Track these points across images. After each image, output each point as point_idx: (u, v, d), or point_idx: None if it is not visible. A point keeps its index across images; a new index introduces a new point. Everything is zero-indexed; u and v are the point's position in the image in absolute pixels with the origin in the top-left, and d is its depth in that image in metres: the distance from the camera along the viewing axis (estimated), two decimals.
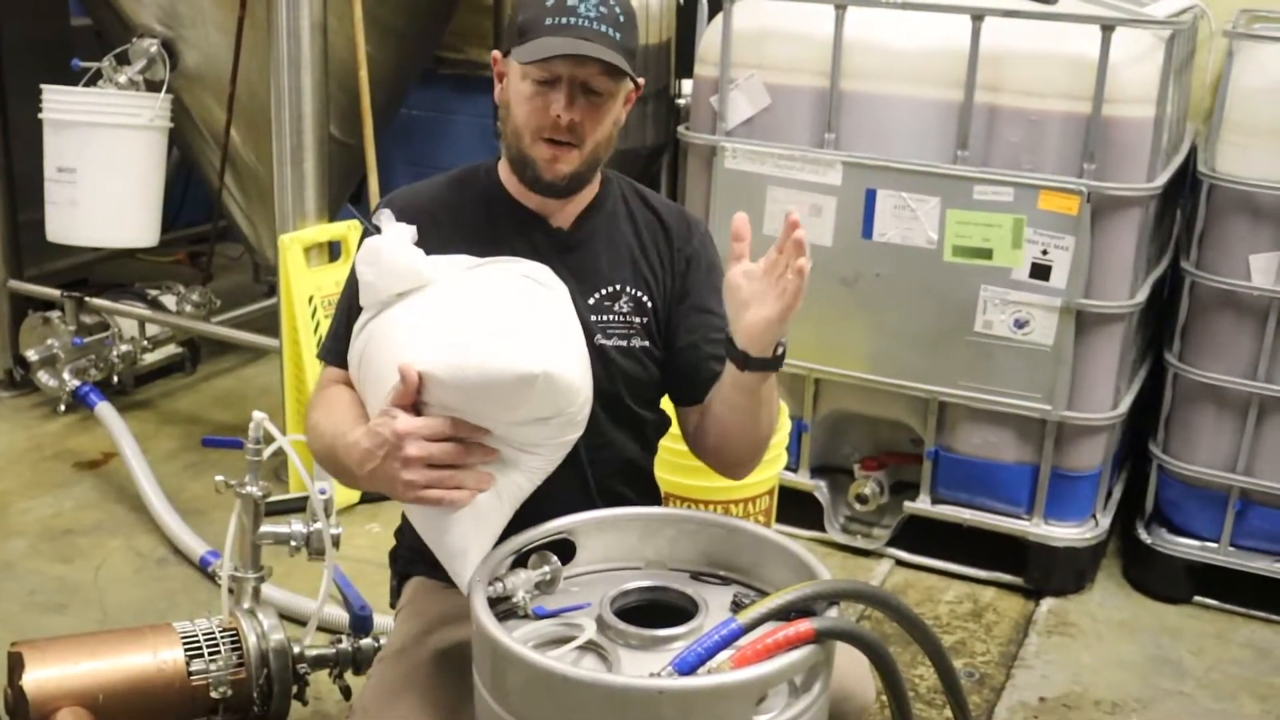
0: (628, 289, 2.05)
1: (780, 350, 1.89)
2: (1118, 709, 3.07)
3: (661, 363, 2.07)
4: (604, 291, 2.03)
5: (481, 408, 1.73)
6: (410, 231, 1.86)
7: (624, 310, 2.04)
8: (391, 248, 1.84)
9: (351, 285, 1.97)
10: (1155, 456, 3.57)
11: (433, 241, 1.89)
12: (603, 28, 1.88)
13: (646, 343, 2.05)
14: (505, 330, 1.74)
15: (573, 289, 1.95)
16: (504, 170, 2.04)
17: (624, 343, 2.03)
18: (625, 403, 2.04)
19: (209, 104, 4.27)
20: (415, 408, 1.74)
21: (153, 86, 4.11)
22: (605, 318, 2.03)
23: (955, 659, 3.21)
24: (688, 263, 2.09)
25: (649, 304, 2.06)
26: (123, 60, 4.11)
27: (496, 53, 2.01)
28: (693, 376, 2.04)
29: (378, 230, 1.90)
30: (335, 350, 2.00)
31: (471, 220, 2.02)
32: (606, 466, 2.02)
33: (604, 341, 2.01)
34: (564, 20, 1.87)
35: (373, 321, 1.86)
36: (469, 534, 1.77)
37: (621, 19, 1.91)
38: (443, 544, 1.79)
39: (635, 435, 2.09)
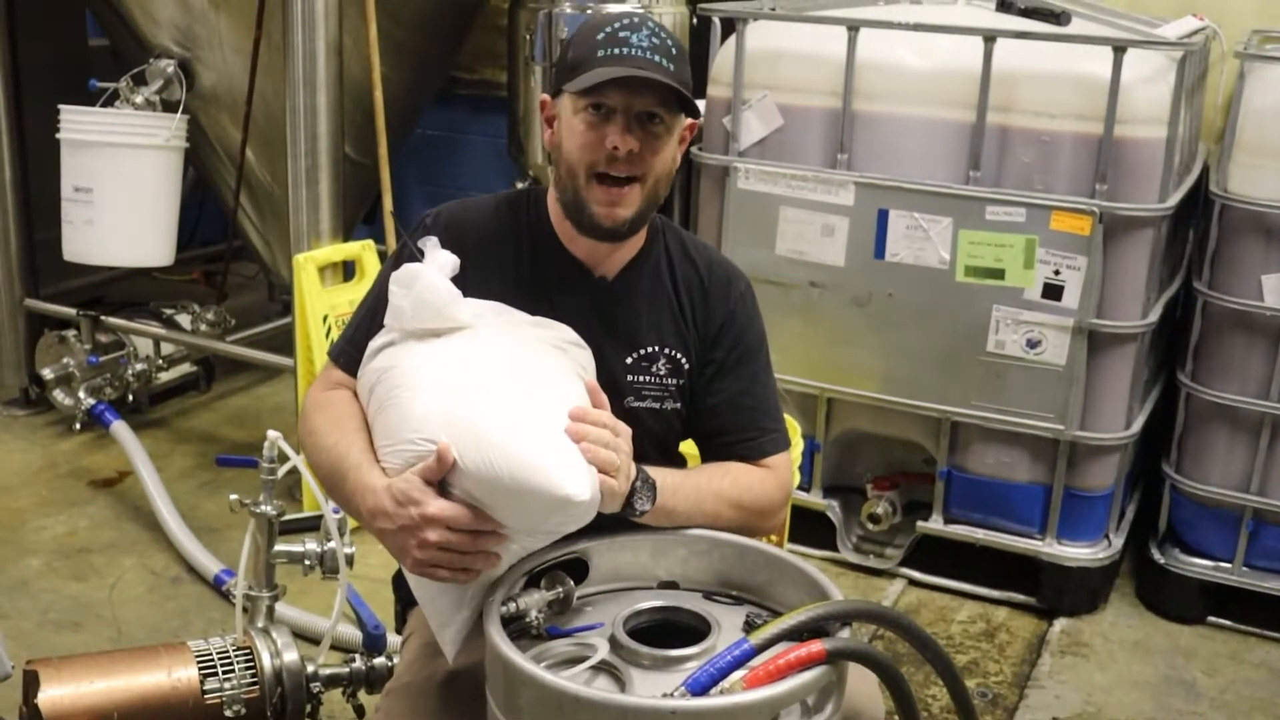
0: (666, 349, 2.00)
1: (639, 507, 1.80)
2: None
3: (688, 421, 2.06)
4: (642, 352, 1.99)
5: (506, 508, 1.67)
6: (452, 263, 1.81)
7: (660, 372, 2.00)
8: (431, 280, 1.78)
9: (376, 297, 1.93)
10: (1168, 476, 3.56)
11: (474, 269, 1.87)
12: (657, 58, 1.83)
13: (678, 405, 2.02)
14: (547, 440, 1.65)
15: (610, 346, 1.95)
16: (554, 211, 1.98)
17: (657, 405, 2.01)
18: (650, 461, 2.03)
19: (225, 124, 4.30)
20: (440, 483, 1.69)
21: (169, 107, 4.14)
22: (641, 379, 1.99)
23: (968, 679, 3.21)
24: (721, 327, 2.03)
25: (685, 365, 2.01)
26: (140, 81, 4.15)
27: (545, 96, 1.94)
28: (708, 441, 2.05)
29: (419, 252, 1.85)
30: (349, 355, 1.95)
31: (514, 257, 1.97)
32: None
33: (636, 404, 1.98)
34: (617, 51, 1.82)
35: (398, 350, 1.81)
36: (460, 606, 1.78)
37: (674, 51, 1.86)
38: (434, 611, 1.81)
39: None
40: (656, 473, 1.84)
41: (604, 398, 1.80)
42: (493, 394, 1.69)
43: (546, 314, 1.92)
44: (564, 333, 1.87)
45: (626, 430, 1.77)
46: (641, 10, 1.92)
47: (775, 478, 2.03)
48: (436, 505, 1.65)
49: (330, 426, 1.86)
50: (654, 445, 2.02)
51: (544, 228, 1.99)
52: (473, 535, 1.67)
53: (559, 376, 1.78)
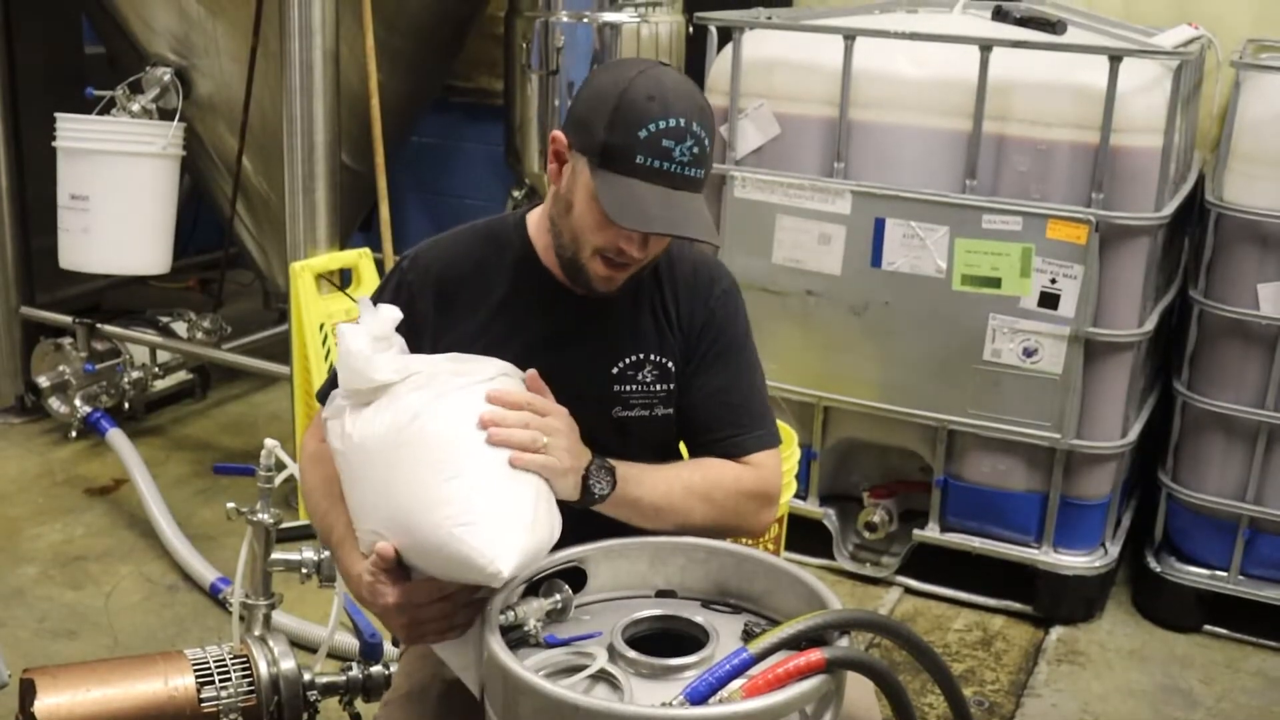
0: (652, 356, 1.99)
1: (597, 491, 1.82)
2: None
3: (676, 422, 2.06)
4: (628, 361, 1.98)
5: (456, 580, 1.73)
6: (391, 319, 1.78)
7: (647, 380, 1.99)
8: (348, 344, 1.77)
9: None
10: (1164, 485, 3.57)
11: (455, 304, 1.89)
12: (692, 171, 1.80)
13: (670, 410, 2.02)
14: (464, 522, 1.65)
15: (595, 358, 1.95)
16: (539, 240, 1.97)
17: (646, 413, 2.00)
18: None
19: (221, 132, 4.30)
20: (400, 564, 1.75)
21: (166, 115, 4.14)
22: (628, 388, 1.98)
23: (965, 688, 3.21)
24: (703, 325, 2.02)
25: (672, 368, 2.00)
26: (136, 89, 4.15)
27: (560, 135, 1.88)
28: (694, 438, 2.03)
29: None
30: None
31: (492, 285, 1.96)
32: None
33: (625, 414, 1.98)
34: (657, 164, 1.77)
35: (343, 425, 1.79)
36: (469, 645, 1.81)
37: (708, 151, 1.82)
38: (449, 657, 1.85)
39: None
40: (619, 463, 1.84)
41: (543, 386, 1.81)
42: (413, 479, 1.70)
43: (528, 335, 1.93)
44: (488, 369, 1.81)
45: (559, 410, 1.79)
46: (685, 113, 1.84)
47: (755, 474, 2.00)
48: (394, 595, 1.74)
49: (322, 491, 1.93)
50: (648, 453, 2.00)
51: (529, 257, 1.98)
52: (446, 606, 1.75)
53: (476, 432, 1.74)
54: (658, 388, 2.00)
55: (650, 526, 1.86)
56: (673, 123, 1.78)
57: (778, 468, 2.05)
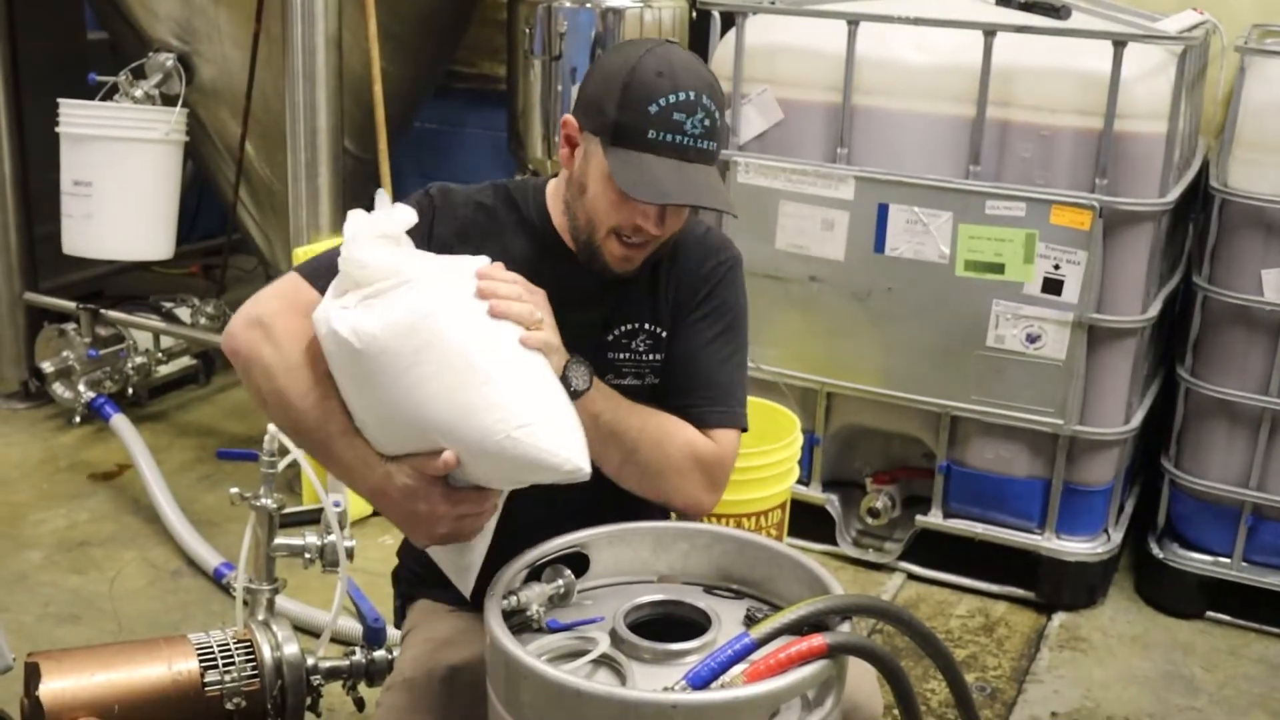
0: (645, 325, 2.01)
1: (574, 383, 1.82)
2: None
3: None
4: (622, 329, 2.00)
5: (511, 484, 1.77)
6: (406, 220, 1.75)
7: (640, 349, 2.01)
8: (363, 236, 1.72)
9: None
10: (1167, 471, 3.57)
11: (468, 247, 1.87)
12: (704, 144, 1.81)
13: (658, 380, 2.03)
14: (542, 424, 1.68)
15: (591, 324, 1.95)
16: (554, 206, 1.98)
17: (638, 381, 2.01)
18: None
19: (224, 118, 4.30)
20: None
21: (168, 101, 4.14)
22: (621, 355, 2.00)
23: (967, 673, 3.21)
24: (696, 290, 2.02)
25: (664, 336, 2.02)
26: (139, 74, 4.15)
27: (570, 118, 1.89)
28: (661, 399, 2.01)
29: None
30: (317, 278, 1.85)
31: (504, 244, 1.95)
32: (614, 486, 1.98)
33: (617, 382, 1.98)
34: (669, 138, 1.79)
35: (357, 319, 1.71)
36: (466, 552, 1.84)
37: (719, 125, 1.84)
38: (448, 562, 1.86)
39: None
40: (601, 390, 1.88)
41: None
42: (446, 385, 1.68)
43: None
44: (481, 264, 1.81)
45: (540, 292, 1.81)
46: (694, 86, 1.82)
47: (711, 447, 1.96)
48: (445, 504, 1.73)
49: (311, 373, 1.80)
50: None
51: (549, 231, 1.98)
52: (476, 504, 1.76)
53: (513, 334, 1.74)
54: (650, 357, 2.02)
55: (596, 449, 1.78)
56: (683, 96, 1.79)
57: (734, 450, 2.01)
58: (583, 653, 1.68)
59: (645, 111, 1.79)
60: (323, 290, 1.80)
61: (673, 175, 1.80)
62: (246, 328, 1.84)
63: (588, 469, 1.69)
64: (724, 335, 2.03)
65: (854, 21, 3.39)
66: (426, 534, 1.79)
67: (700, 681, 1.57)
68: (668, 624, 1.79)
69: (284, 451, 2.60)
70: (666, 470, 1.93)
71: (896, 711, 1.79)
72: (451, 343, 1.68)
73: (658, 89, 1.79)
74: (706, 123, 1.81)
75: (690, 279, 2.03)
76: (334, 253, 1.82)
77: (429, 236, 1.91)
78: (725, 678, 1.57)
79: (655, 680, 1.64)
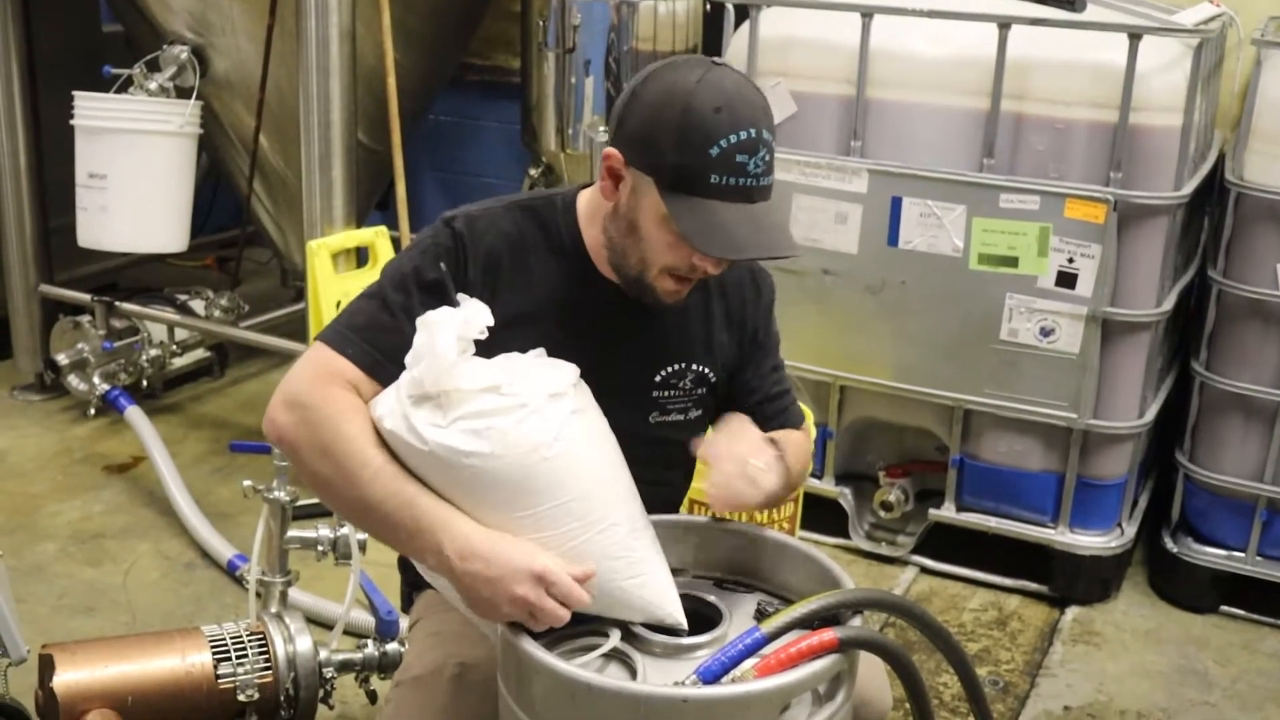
0: (694, 365, 1.97)
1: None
2: (1142, 719, 3.06)
3: (723, 403, 2.06)
4: (671, 369, 1.96)
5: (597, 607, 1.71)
6: (481, 323, 1.67)
7: (687, 387, 1.98)
8: (445, 347, 1.64)
9: (391, 296, 1.80)
10: (1181, 465, 3.55)
11: (499, 279, 1.81)
12: (766, 180, 1.73)
13: (701, 412, 2.01)
14: (642, 568, 1.71)
15: (638, 364, 1.93)
16: (591, 239, 1.88)
17: (682, 416, 1.99)
18: (674, 475, 2.07)
19: (238, 110, 4.30)
20: None
21: (183, 93, 4.14)
22: (667, 394, 1.96)
23: (979, 667, 3.21)
24: (755, 333, 2.03)
25: (711, 377, 1.99)
26: (153, 67, 4.15)
27: (616, 152, 1.77)
28: (749, 409, 2.06)
29: (446, 245, 1.81)
30: (369, 356, 1.76)
31: (540, 272, 1.87)
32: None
33: (661, 419, 1.96)
34: (733, 181, 1.69)
35: (433, 418, 1.64)
36: None
37: (775, 155, 1.76)
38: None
39: (679, 489, 2.12)
40: (780, 443, 1.90)
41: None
42: (559, 522, 1.66)
43: (571, 332, 1.85)
44: (565, 377, 1.74)
45: (759, 467, 1.81)
46: (754, 121, 1.76)
47: (809, 439, 2.16)
48: (541, 599, 1.61)
49: (372, 449, 1.69)
50: (677, 452, 1.98)
51: (575, 244, 1.89)
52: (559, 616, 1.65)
53: (603, 467, 1.74)
54: (696, 393, 1.99)
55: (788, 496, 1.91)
56: (744, 135, 1.69)
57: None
58: (594, 647, 1.69)
59: (706, 155, 1.68)
60: (354, 359, 1.75)
61: (742, 224, 1.70)
62: (285, 411, 1.74)
63: (684, 623, 1.73)
64: (778, 352, 2.12)
65: (868, 14, 3.38)
66: (496, 612, 1.64)
67: (711, 676, 1.57)
68: None
69: None
70: (802, 478, 2.08)
71: (908, 705, 1.79)
72: (565, 480, 1.65)
73: (717, 129, 1.68)
74: (767, 159, 1.72)
75: (744, 320, 2.02)
76: (363, 314, 1.79)
77: (464, 282, 1.81)
78: (736, 672, 1.57)
79: (666, 674, 1.64)
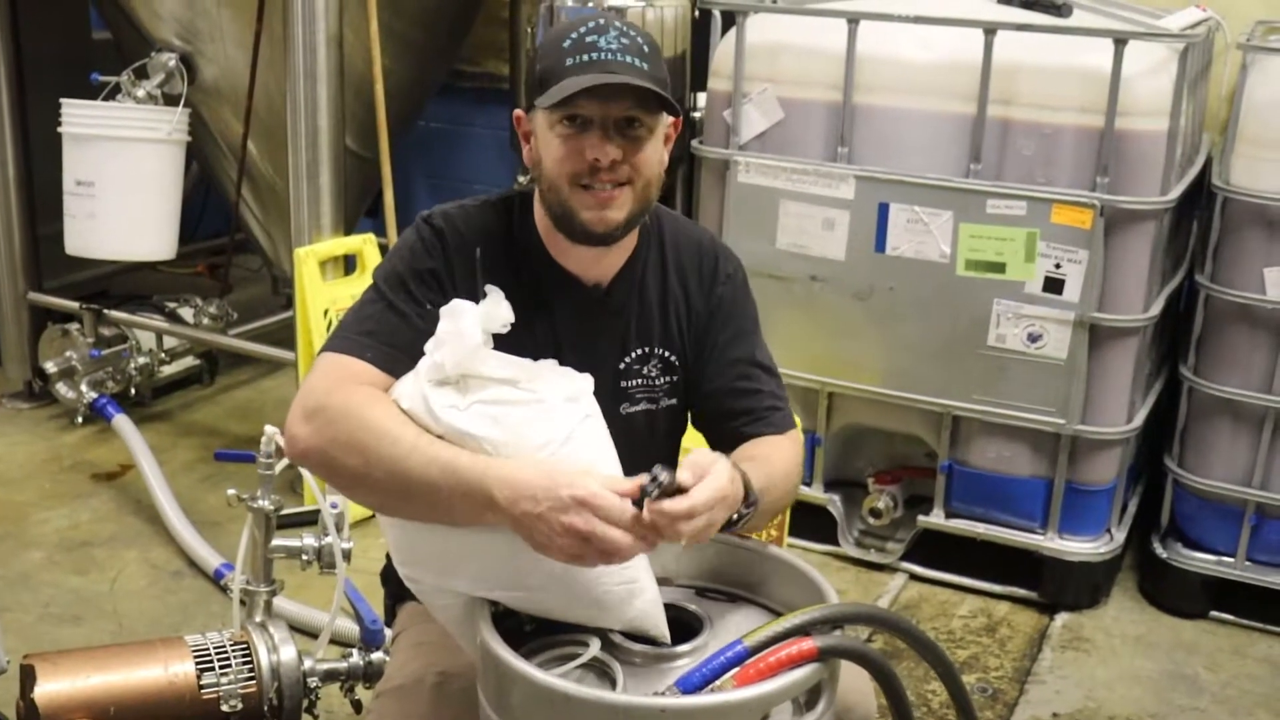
0: (657, 350, 1.96)
1: (737, 517, 1.74)
2: None
3: (690, 411, 2.04)
4: (634, 355, 1.95)
5: (578, 614, 1.72)
6: (503, 319, 1.69)
7: (652, 374, 1.97)
8: (472, 333, 1.66)
9: (394, 294, 1.82)
10: (1171, 470, 3.55)
11: (477, 277, 1.82)
12: (628, 58, 1.75)
13: (674, 400, 2.00)
14: (639, 580, 1.70)
15: (602, 354, 1.92)
16: (542, 225, 1.90)
17: (652, 406, 1.98)
18: (646, 459, 2.04)
19: (227, 117, 4.30)
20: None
21: (171, 100, 4.14)
22: (633, 383, 1.96)
23: (969, 674, 3.20)
24: (713, 312, 2.00)
25: (676, 362, 1.98)
26: (141, 74, 4.15)
27: (519, 112, 1.87)
28: (719, 426, 2.00)
29: (430, 239, 1.83)
30: (384, 354, 1.77)
31: (510, 267, 1.88)
32: None
33: (631, 409, 1.96)
34: (585, 57, 1.74)
35: (495, 430, 1.65)
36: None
37: (646, 49, 1.78)
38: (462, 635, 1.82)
39: None
40: (750, 476, 1.75)
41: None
42: None
43: (539, 329, 1.87)
44: (580, 385, 1.75)
45: (709, 486, 1.62)
46: (604, 10, 1.83)
47: (797, 447, 2.01)
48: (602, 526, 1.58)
49: (401, 424, 1.67)
50: (654, 445, 1.99)
51: (534, 239, 1.92)
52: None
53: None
54: (661, 380, 1.98)
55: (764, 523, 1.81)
56: (592, 24, 1.78)
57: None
58: (574, 656, 1.68)
59: (560, 49, 1.77)
60: (373, 360, 1.75)
61: (591, 74, 1.73)
62: (304, 423, 1.71)
63: (667, 637, 1.72)
64: (758, 342, 2.04)
65: (854, 20, 3.38)
66: (561, 552, 1.58)
67: (691, 687, 1.56)
68: None
69: (281, 453, 2.60)
70: (792, 494, 1.99)
71: (890, 715, 1.79)
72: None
73: (569, 28, 1.79)
74: (624, 40, 1.76)
75: (702, 303, 1.99)
76: (371, 319, 1.79)
77: (451, 275, 1.84)
78: (716, 684, 1.56)
79: (647, 685, 1.64)
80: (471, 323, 1.67)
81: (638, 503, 1.58)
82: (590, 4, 4.32)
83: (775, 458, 1.92)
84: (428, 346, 1.70)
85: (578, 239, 1.85)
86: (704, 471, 1.62)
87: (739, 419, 1.98)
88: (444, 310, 1.70)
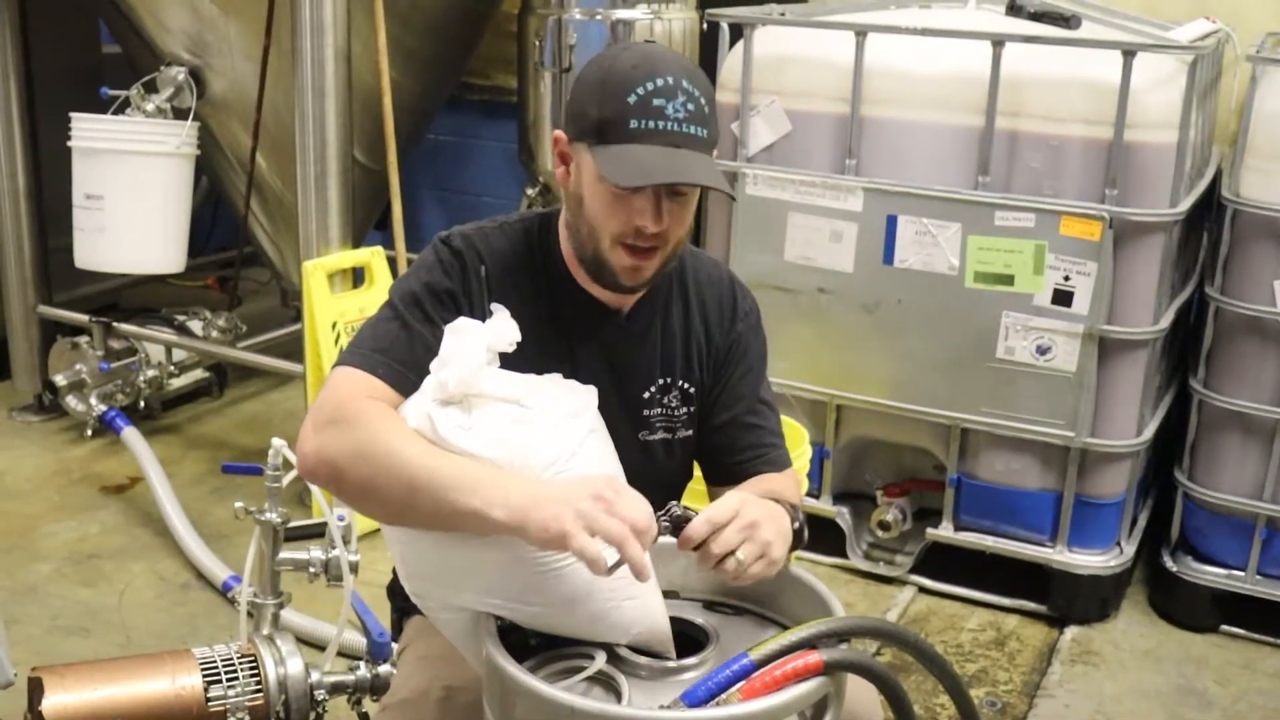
0: (678, 382, 1.97)
1: (797, 525, 1.81)
2: None
3: (697, 443, 2.05)
4: (658, 385, 1.95)
5: (582, 630, 1.72)
6: (510, 339, 1.70)
7: (673, 404, 1.97)
8: (469, 344, 1.67)
9: (408, 312, 1.81)
10: (1180, 484, 3.54)
11: (499, 295, 1.82)
12: (692, 129, 1.73)
13: (690, 432, 2.01)
14: (649, 589, 1.69)
15: (627, 382, 1.92)
16: (567, 250, 1.88)
17: (669, 435, 1.98)
18: (666, 494, 2.04)
19: (236, 131, 4.31)
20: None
21: (180, 114, 4.15)
22: (654, 411, 1.96)
23: (978, 687, 3.19)
24: (730, 348, 2.01)
25: (694, 393, 1.99)
26: (150, 88, 4.16)
27: (560, 134, 1.82)
28: (722, 459, 2.02)
29: (448, 260, 1.82)
30: (395, 372, 1.76)
31: (533, 292, 1.88)
32: None
33: (649, 437, 1.96)
34: (651, 124, 1.71)
35: (497, 449, 1.64)
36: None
37: (706, 110, 1.76)
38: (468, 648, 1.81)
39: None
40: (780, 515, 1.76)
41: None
42: None
43: (566, 352, 1.87)
44: (585, 401, 1.76)
45: (753, 512, 1.69)
46: (673, 72, 1.78)
47: (799, 484, 2.04)
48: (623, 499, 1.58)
49: (413, 437, 1.66)
50: (668, 474, 2.01)
51: (557, 263, 1.90)
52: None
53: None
54: (681, 411, 1.99)
55: None
56: (660, 82, 1.72)
57: None
58: (579, 669, 1.67)
59: (624, 103, 1.71)
60: (385, 378, 1.74)
61: (659, 159, 1.71)
62: (318, 433, 1.70)
63: (672, 652, 1.70)
64: (765, 379, 2.06)
65: (862, 32, 3.38)
66: (572, 543, 1.54)
67: (696, 701, 1.55)
68: None
69: (289, 466, 2.60)
70: None
71: None
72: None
73: (634, 79, 1.72)
74: (690, 106, 1.73)
75: (721, 339, 2.01)
76: (385, 336, 1.77)
77: (468, 296, 1.83)
78: (722, 698, 1.56)
79: (652, 698, 1.63)
80: (476, 341, 1.67)
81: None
82: (598, 17, 4.33)
83: (786, 492, 1.93)
84: (433, 365, 1.69)
85: (606, 286, 1.86)
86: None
87: (743, 454, 2.00)
88: (449, 328, 1.70)
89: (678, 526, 1.65)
